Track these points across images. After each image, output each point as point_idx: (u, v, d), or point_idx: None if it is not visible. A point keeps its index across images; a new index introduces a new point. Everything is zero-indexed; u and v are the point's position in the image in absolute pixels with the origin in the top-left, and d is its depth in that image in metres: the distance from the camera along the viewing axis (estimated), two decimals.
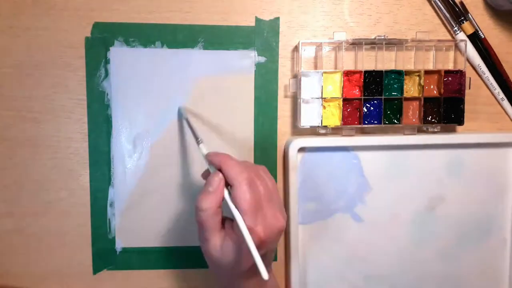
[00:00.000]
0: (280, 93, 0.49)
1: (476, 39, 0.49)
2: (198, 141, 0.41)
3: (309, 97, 0.46)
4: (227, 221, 0.39)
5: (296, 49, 0.48)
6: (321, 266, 0.49)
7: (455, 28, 0.48)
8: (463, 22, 0.48)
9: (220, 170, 0.37)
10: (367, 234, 0.49)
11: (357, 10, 0.48)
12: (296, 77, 0.47)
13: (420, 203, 0.50)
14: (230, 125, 0.48)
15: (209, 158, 0.39)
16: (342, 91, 0.46)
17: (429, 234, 0.50)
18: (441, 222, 0.50)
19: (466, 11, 0.49)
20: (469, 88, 0.47)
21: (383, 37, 0.46)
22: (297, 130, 0.49)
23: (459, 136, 0.48)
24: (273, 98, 0.48)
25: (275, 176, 0.49)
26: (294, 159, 0.47)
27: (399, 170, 0.49)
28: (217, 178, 0.37)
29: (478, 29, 0.49)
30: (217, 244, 0.37)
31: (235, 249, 0.36)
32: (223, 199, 0.37)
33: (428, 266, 0.50)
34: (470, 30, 0.48)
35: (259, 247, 0.35)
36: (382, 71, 0.46)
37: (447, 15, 0.48)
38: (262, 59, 0.48)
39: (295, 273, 0.48)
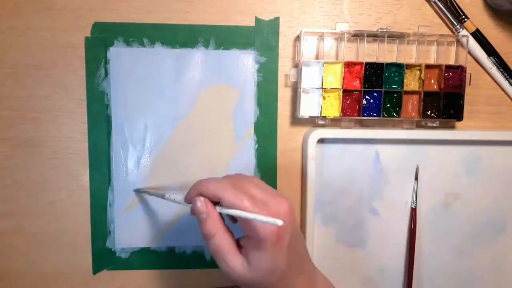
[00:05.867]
0: (280, 87, 0.49)
1: (479, 36, 0.49)
2: (164, 196, 0.40)
3: (309, 87, 0.46)
4: (241, 240, 0.36)
5: (298, 39, 0.48)
6: (335, 257, 0.50)
7: (457, 26, 0.48)
8: (465, 21, 0.48)
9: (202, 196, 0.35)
10: (382, 227, 0.50)
11: (357, 10, 0.48)
12: (297, 66, 0.47)
13: (436, 199, 0.50)
14: (230, 125, 0.48)
15: (187, 198, 0.36)
16: (343, 82, 0.46)
17: (444, 230, 0.50)
18: (456, 218, 0.50)
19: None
20: (469, 84, 0.47)
21: (385, 30, 0.46)
22: (296, 121, 0.49)
23: (478, 133, 0.48)
24: (273, 98, 0.48)
25: (274, 177, 0.49)
26: (313, 150, 0.46)
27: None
28: (200, 202, 0.35)
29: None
30: (244, 263, 0.34)
31: (263, 257, 0.33)
32: (221, 216, 0.35)
33: (441, 262, 0.51)
34: (473, 28, 0.48)
35: (276, 241, 0.32)
36: (383, 63, 0.46)
37: (448, 14, 0.48)
38: (262, 59, 0.48)
39: None
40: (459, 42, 0.49)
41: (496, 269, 0.51)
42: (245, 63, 0.48)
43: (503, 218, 0.50)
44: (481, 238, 0.51)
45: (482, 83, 0.50)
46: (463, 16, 0.48)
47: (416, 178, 0.49)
